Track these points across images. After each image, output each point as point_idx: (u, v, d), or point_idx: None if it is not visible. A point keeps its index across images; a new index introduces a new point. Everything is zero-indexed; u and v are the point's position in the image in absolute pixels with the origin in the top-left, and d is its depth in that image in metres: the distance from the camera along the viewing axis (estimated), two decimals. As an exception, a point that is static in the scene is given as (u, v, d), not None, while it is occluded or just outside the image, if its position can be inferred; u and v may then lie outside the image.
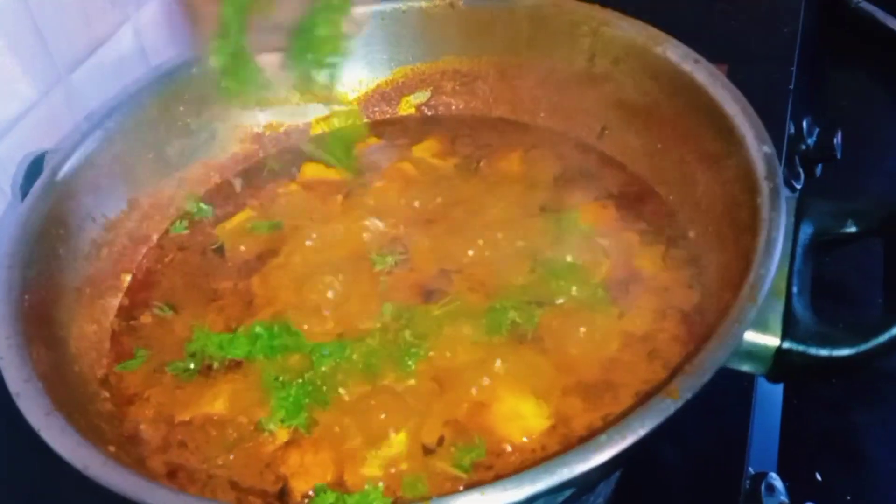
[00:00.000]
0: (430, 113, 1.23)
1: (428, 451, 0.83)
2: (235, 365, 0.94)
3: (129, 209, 1.08)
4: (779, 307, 0.76)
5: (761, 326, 0.75)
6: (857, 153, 1.64)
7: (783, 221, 0.79)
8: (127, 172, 1.08)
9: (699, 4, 1.59)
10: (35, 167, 1.03)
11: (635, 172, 1.09)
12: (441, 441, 0.84)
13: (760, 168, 0.86)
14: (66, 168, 1.00)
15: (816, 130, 1.57)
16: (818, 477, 1.27)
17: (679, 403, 0.66)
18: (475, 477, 0.82)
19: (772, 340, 0.74)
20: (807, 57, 1.67)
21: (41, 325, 0.88)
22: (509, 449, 0.83)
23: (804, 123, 1.56)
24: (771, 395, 1.27)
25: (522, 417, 0.85)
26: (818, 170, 1.57)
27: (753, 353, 0.75)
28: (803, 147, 1.53)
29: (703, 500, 0.99)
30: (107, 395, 0.93)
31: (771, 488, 1.06)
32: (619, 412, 0.85)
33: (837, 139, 1.51)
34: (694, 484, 1.00)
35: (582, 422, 0.85)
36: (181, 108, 1.12)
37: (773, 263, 0.76)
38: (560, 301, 0.95)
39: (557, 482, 0.65)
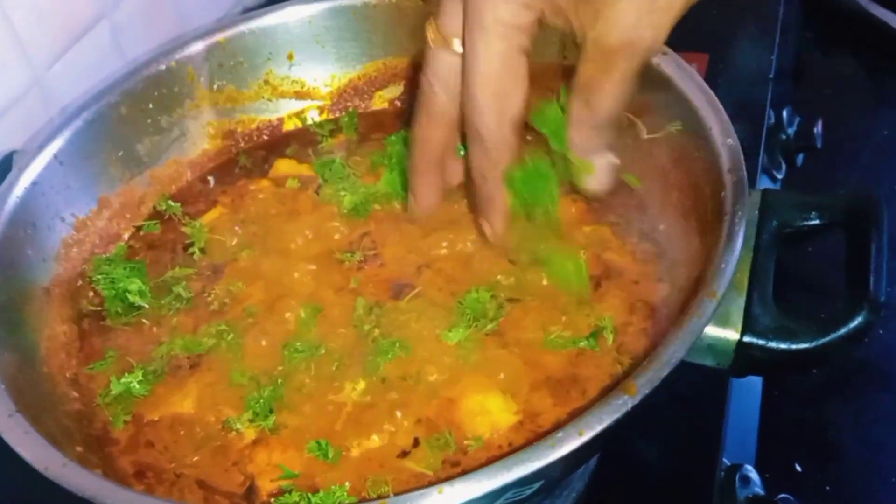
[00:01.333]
0: (403, 107, 1.22)
1: (404, 454, 0.83)
2: (205, 364, 0.94)
3: (99, 208, 1.08)
4: (740, 301, 0.76)
5: (722, 320, 0.75)
6: (839, 142, 1.64)
7: (744, 215, 0.79)
8: (97, 171, 1.07)
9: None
10: (2, 169, 1.02)
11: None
12: (416, 443, 0.84)
13: (724, 161, 0.86)
14: (33, 167, 0.99)
15: (797, 120, 1.57)
16: (797, 468, 1.27)
17: (637, 399, 0.66)
18: (442, 475, 0.82)
19: (732, 334, 0.74)
20: (787, 46, 1.67)
21: (8, 328, 0.88)
22: (475, 445, 0.83)
23: (784, 113, 1.56)
24: (749, 388, 1.27)
25: (489, 413, 0.85)
26: (799, 159, 1.57)
27: (714, 347, 0.75)
28: (783, 137, 1.52)
29: (678, 493, 1.00)
30: (76, 395, 0.92)
31: (746, 480, 1.06)
32: (586, 407, 0.84)
33: (818, 128, 1.51)
34: (668, 476, 1.01)
35: (549, 417, 0.85)
36: (151, 106, 1.12)
37: (734, 257, 0.75)
38: (530, 296, 0.95)
39: (515, 478, 0.65)
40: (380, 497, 0.66)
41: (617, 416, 0.66)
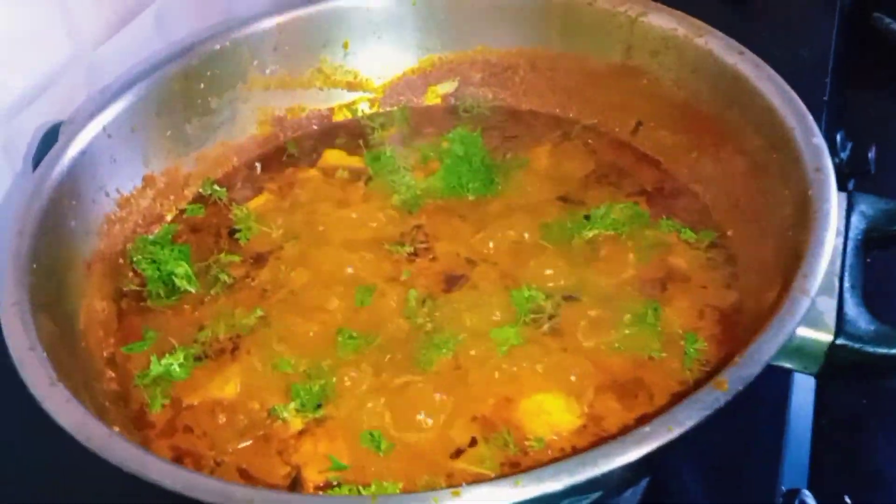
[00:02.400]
0: (456, 103, 1.19)
1: (458, 454, 0.78)
2: (248, 350, 0.89)
3: (143, 186, 1.04)
4: (831, 304, 0.72)
5: (813, 323, 0.70)
6: (892, 167, 1.60)
7: (836, 214, 0.75)
8: (144, 147, 1.04)
9: (732, 15, 1.56)
10: (49, 139, 0.99)
11: (669, 169, 1.05)
12: (473, 442, 0.79)
13: (810, 160, 0.82)
14: (81, 137, 0.96)
15: (849, 145, 1.53)
16: (847, 500, 1.22)
17: (729, 395, 0.62)
18: (500, 473, 0.77)
19: (824, 336, 0.70)
20: (839, 70, 1.64)
21: (48, 296, 0.84)
22: (537, 447, 0.79)
23: (837, 137, 1.52)
24: (802, 411, 1.22)
25: (549, 414, 0.81)
26: (850, 184, 1.53)
27: (804, 349, 0.70)
28: (836, 161, 1.48)
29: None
30: (112, 374, 0.88)
31: (804, 506, 1.01)
32: (655, 413, 0.80)
33: (871, 153, 1.47)
34: (723, 500, 0.95)
35: (615, 421, 0.80)
36: (202, 86, 1.08)
37: (827, 255, 0.71)
38: (589, 296, 0.91)
39: (592, 476, 0.60)
40: (451, 487, 0.61)
41: (707, 412, 0.62)
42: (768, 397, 0.99)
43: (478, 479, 0.76)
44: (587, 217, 0.98)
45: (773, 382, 0.96)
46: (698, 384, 0.81)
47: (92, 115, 0.98)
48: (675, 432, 0.61)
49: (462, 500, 0.59)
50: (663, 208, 1.00)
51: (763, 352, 0.65)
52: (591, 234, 0.97)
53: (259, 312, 0.92)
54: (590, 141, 1.10)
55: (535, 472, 0.60)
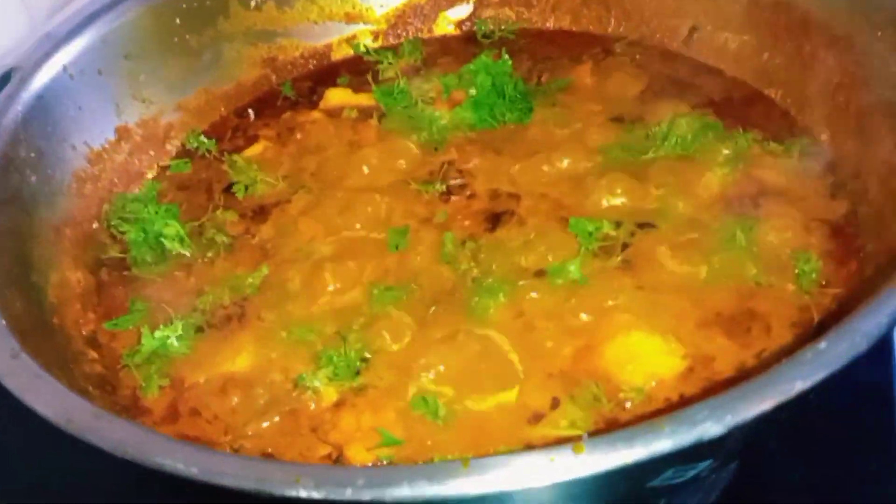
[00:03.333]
0: (473, 29, 1.03)
1: (536, 419, 0.63)
2: (258, 313, 0.73)
3: (117, 139, 0.87)
4: None
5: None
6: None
7: None
8: (114, 94, 0.87)
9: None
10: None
11: (736, 77, 0.90)
12: (556, 403, 0.63)
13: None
14: (37, 78, 0.79)
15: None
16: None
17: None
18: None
19: None
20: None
21: (11, 264, 0.68)
22: (636, 398, 0.63)
23: None
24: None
25: (645, 358, 0.65)
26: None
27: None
28: None
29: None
30: (95, 355, 0.72)
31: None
32: (778, 348, 0.64)
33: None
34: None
35: (728, 361, 0.65)
36: (178, 21, 0.92)
37: None
38: (667, 222, 0.75)
39: (739, 422, 0.44)
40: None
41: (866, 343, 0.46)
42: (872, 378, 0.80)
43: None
44: (648, 136, 0.83)
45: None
46: (823, 309, 0.66)
47: (48, 54, 0.82)
48: (824, 371, 0.45)
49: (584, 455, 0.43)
50: (736, 119, 0.84)
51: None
52: (657, 153, 0.81)
53: (265, 271, 0.76)
54: (637, 56, 0.95)
55: (674, 417, 0.44)
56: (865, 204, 0.72)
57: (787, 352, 0.63)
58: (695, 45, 0.93)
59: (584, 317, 0.69)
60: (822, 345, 0.45)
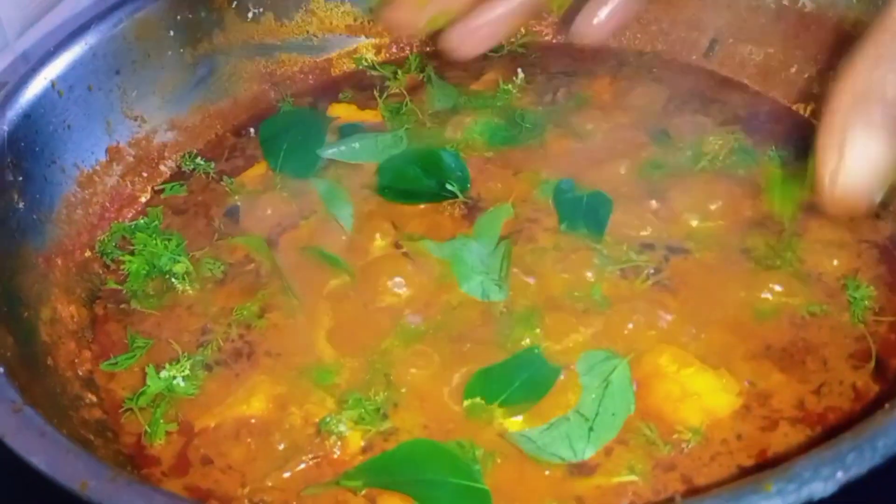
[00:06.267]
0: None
1: (589, 469, 0.58)
2: (269, 349, 0.68)
3: (108, 160, 0.82)
4: None
5: None
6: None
7: None
8: (105, 112, 0.82)
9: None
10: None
11: (761, 91, 0.86)
12: (608, 451, 0.58)
13: None
14: (25, 95, 0.73)
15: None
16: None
17: None
18: (654, 483, 0.56)
19: None
20: None
21: (0, 300, 0.62)
22: (693, 440, 0.58)
23: None
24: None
25: (698, 396, 0.60)
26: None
27: None
28: None
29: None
30: (93, 398, 0.66)
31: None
32: (837, 383, 0.60)
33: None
34: None
35: (786, 398, 0.60)
36: (171, 34, 0.86)
37: None
38: (699, 245, 0.71)
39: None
40: None
41: None
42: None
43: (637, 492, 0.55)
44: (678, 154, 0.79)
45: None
46: (880, 338, 0.62)
47: (35, 69, 0.76)
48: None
49: None
50: (765, 135, 0.80)
51: None
52: (690, 171, 0.77)
53: (266, 296, 0.71)
54: (654, 70, 0.91)
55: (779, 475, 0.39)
56: (914, 225, 0.69)
57: (849, 386, 0.60)
58: (716, 58, 0.89)
59: (627, 348, 0.64)
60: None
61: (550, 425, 0.59)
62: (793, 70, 0.83)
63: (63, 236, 0.75)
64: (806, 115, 0.82)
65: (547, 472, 0.58)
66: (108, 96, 0.82)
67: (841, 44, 0.78)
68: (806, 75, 0.82)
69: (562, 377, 0.62)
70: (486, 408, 0.60)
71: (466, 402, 0.61)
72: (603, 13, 0.66)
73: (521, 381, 0.61)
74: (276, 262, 0.73)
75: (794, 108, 0.83)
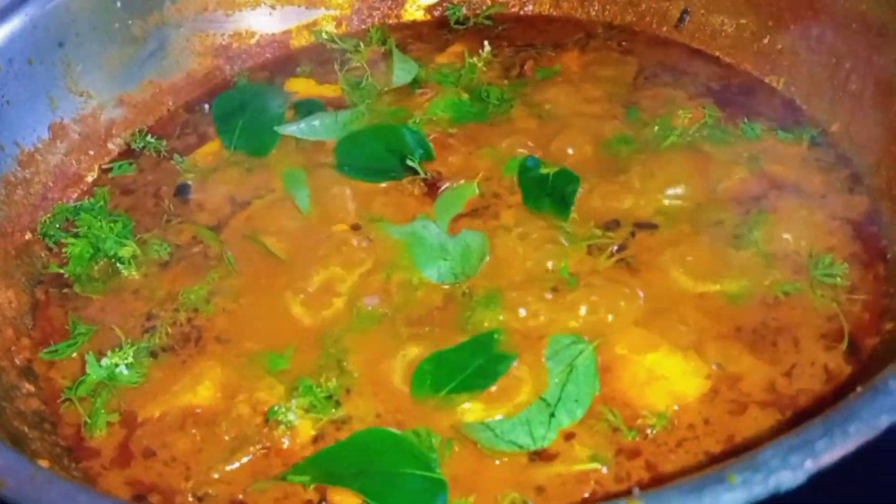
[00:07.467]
0: (445, 14, 0.95)
1: (549, 457, 0.55)
2: (218, 335, 0.64)
3: (51, 138, 0.78)
4: None
5: None
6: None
7: None
8: (47, 87, 0.78)
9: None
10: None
11: (733, 63, 0.83)
12: (569, 436, 0.56)
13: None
14: (-43, 68, 0.69)
15: None
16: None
17: None
18: (617, 470, 0.54)
19: None
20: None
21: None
22: (658, 425, 0.55)
23: None
24: None
25: (666, 379, 0.58)
26: None
27: None
28: None
29: None
30: (31, 388, 0.62)
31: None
32: (809, 364, 0.58)
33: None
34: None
35: (756, 380, 0.58)
36: (118, 4, 0.82)
37: None
38: (668, 221, 0.68)
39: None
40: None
41: None
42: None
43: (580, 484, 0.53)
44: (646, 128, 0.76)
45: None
46: (854, 318, 0.60)
47: (-30, 40, 0.72)
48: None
49: None
50: (738, 108, 0.77)
51: None
52: (659, 146, 0.74)
53: (225, 284, 0.68)
54: (623, 42, 0.88)
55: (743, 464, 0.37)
56: (888, 199, 0.66)
57: (820, 367, 0.57)
58: (687, 30, 0.86)
59: (593, 332, 0.61)
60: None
61: (509, 413, 0.56)
62: (765, 41, 0.81)
63: (2, 218, 0.71)
64: (778, 87, 0.79)
65: (506, 460, 0.55)
66: (51, 70, 0.78)
67: (816, 11, 0.76)
68: (779, 46, 0.79)
69: (515, 364, 0.59)
70: (434, 396, 0.57)
71: (413, 391, 0.58)
72: None
73: (473, 368, 0.58)
74: (223, 247, 0.70)
75: (766, 80, 0.81)
